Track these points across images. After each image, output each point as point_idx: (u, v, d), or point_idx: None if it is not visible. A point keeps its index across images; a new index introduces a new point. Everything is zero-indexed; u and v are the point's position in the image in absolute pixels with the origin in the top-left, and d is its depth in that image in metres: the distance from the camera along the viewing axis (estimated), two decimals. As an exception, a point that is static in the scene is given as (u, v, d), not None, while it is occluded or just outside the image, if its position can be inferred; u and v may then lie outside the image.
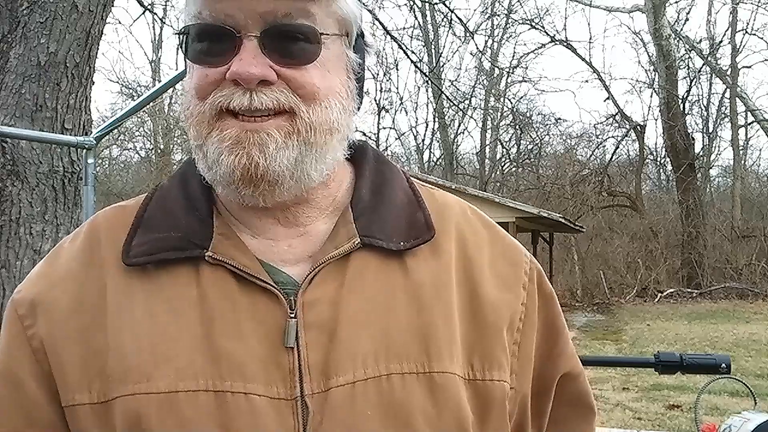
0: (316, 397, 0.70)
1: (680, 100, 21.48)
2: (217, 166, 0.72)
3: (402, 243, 0.77)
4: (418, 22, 23.93)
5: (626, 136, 23.54)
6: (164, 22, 18.13)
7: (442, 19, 21.97)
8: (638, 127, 22.83)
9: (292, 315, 0.71)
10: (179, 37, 0.76)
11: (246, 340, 0.71)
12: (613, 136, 24.09)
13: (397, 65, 25.59)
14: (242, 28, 0.71)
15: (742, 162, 23.55)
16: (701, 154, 23.19)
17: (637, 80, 29.88)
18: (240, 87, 0.70)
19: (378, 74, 25.52)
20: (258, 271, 0.73)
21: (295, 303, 0.72)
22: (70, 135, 3.18)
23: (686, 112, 22.25)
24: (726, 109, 23.01)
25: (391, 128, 32.10)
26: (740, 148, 23.19)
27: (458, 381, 0.73)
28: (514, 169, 25.41)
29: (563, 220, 13.97)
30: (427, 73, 18.03)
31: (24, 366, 0.75)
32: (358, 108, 0.81)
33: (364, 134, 26.33)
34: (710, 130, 23.62)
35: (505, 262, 0.83)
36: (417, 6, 22.80)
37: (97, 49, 3.34)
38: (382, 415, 0.70)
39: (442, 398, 0.72)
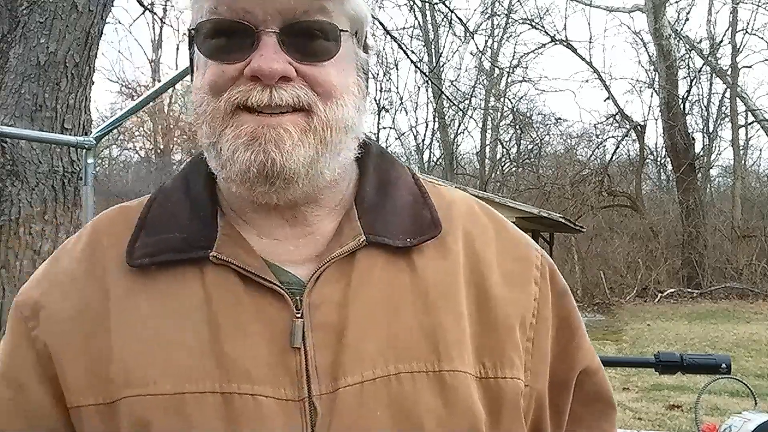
0: (324, 398, 0.69)
1: (680, 100, 21.47)
2: (232, 163, 0.71)
3: (408, 240, 0.76)
4: (418, 22, 23.93)
5: (626, 136, 23.55)
6: (164, 22, 18.13)
7: (442, 19, 21.97)
8: (638, 127, 22.82)
9: (299, 315, 0.71)
10: (192, 33, 0.75)
11: (252, 341, 0.70)
12: (613, 136, 24.10)
13: (397, 65, 25.59)
14: (261, 23, 0.70)
15: (743, 162, 23.53)
16: (701, 154, 23.17)
17: (637, 80, 29.91)
18: (259, 83, 0.70)
19: (378, 74, 25.54)
20: (263, 271, 0.72)
21: (302, 303, 0.71)
22: (70, 135, 3.18)
23: (686, 112, 22.24)
24: (726, 109, 23.01)
25: (391, 128, 32.10)
26: (740, 148, 23.17)
27: (470, 380, 0.72)
28: (514, 169, 25.40)
29: (563, 220, 13.95)
30: (427, 73, 18.03)
31: (28, 369, 0.74)
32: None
33: (365, 134, 26.27)
34: (710, 130, 23.61)
35: (514, 259, 0.81)
36: (417, 6, 22.80)
37: (97, 48, 3.34)
38: (391, 416, 0.69)
39: (453, 397, 0.71)
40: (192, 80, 0.77)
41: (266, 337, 0.70)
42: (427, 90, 25.18)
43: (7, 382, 0.75)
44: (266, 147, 0.69)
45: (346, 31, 0.74)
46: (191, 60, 0.78)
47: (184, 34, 0.79)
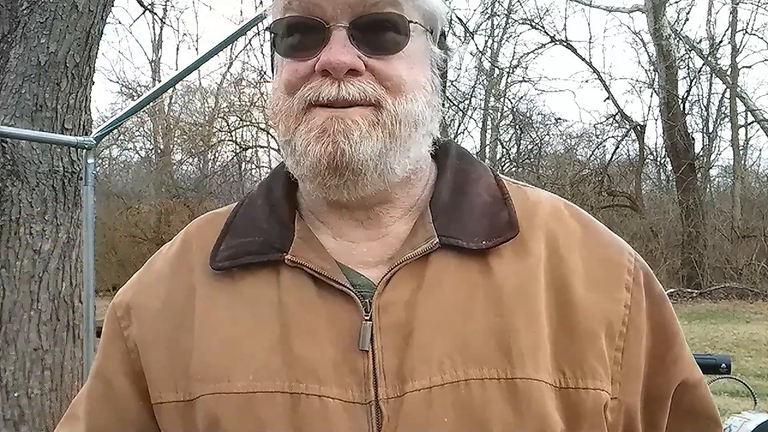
0: (391, 401, 0.68)
1: (680, 100, 21.47)
2: (305, 158, 0.72)
3: (483, 242, 0.74)
4: (418, 22, 23.88)
5: (626, 136, 23.54)
6: (164, 22, 18.12)
7: (442, 19, 21.92)
8: (638, 127, 22.81)
9: (367, 318, 0.71)
10: (269, 35, 0.76)
11: (321, 342, 0.71)
12: (613, 136, 24.07)
13: (397, 65, 25.57)
14: (331, 18, 0.71)
15: (743, 162, 23.53)
16: (701, 154, 23.16)
17: (637, 80, 29.84)
18: (328, 78, 0.71)
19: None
20: (335, 274, 0.73)
21: (371, 306, 0.72)
22: (70, 135, 3.18)
23: (686, 112, 22.23)
24: (726, 109, 23.00)
25: (391, 128, 32.00)
26: (740, 148, 23.17)
27: (544, 388, 0.69)
28: (514, 169, 25.38)
29: (563, 220, 13.93)
30: (427, 73, 17.99)
31: (118, 365, 0.79)
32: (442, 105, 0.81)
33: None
34: (710, 130, 23.59)
35: (602, 262, 0.78)
36: (417, 6, 22.78)
37: (97, 49, 3.34)
38: (458, 422, 0.67)
39: (524, 406, 0.68)
40: (272, 81, 0.79)
41: (334, 339, 0.71)
42: (427, 90, 25.13)
43: (100, 376, 0.81)
44: (335, 137, 0.70)
45: (417, 23, 0.74)
46: (272, 61, 0.79)
47: (266, 31, 0.77)
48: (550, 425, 0.69)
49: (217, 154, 19.38)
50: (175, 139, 21.74)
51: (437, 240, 0.74)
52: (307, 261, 0.74)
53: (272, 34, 0.75)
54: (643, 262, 0.81)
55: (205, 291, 0.77)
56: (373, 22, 0.71)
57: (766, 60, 29.46)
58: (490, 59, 24.13)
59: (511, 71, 24.76)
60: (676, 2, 24.00)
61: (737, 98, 21.98)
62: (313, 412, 0.68)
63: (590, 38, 46.23)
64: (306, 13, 0.72)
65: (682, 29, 22.86)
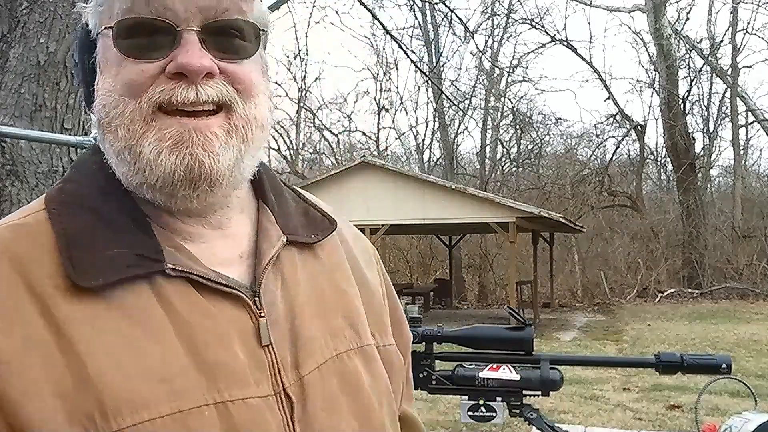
0: (294, 387, 0.73)
1: (681, 100, 21.48)
2: (153, 168, 0.69)
3: (312, 236, 0.83)
4: (418, 22, 23.94)
5: (627, 135, 23.55)
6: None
7: (442, 19, 21.99)
8: (639, 126, 22.82)
9: (262, 315, 0.73)
10: (92, 37, 0.74)
11: (228, 346, 0.70)
12: (613, 136, 24.11)
13: (397, 65, 25.64)
14: (182, 22, 0.70)
15: (743, 162, 23.54)
16: (702, 153, 23.18)
17: (637, 80, 29.92)
18: (183, 81, 0.69)
19: (378, 74, 25.55)
20: (218, 277, 0.72)
21: (260, 303, 0.74)
22: (70, 135, 3.18)
23: (687, 111, 22.24)
24: (726, 108, 23.01)
25: (391, 128, 32.14)
26: (741, 147, 23.18)
27: (375, 349, 0.83)
28: (514, 169, 25.40)
29: (564, 220, 13.94)
30: (427, 73, 18.02)
31: None
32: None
33: (365, 134, 26.30)
34: (711, 130, 23.61)
35: (363, 249, 0.93)
36: (417, 6, 22.83)
37: (97, 48, 3.33)
38: (342, 391, 0.76)
39: (373, 366, 0.81)
40: (98, 83, 0.73)
41: (238, 340, 0.71)
42: (427, 90, 25.21)
43: None
44: (194, 150, 0.69)
45: (264, 31, 0.76)
46: (84, 63, 0.76)
47: (107, 29, 0.71)
48: (386, 380, 0.83)
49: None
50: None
51: (285, 238, 0.80)
52: (190, 268, 0.71)
53: (98, 34, 0.73)
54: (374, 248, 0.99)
55: (75, 315, 0.67)
56: (224, 27, 0.71)
57: (766, 60, 29.49)
58: (490, 59, 24.13)
59: (511, 71, 24.77)
60: (677, 2, 24.02)
61: (738, 98, 21.97)
62: (242, 417, 0.68)
63: (590, 38, 46.31)
64: (155, 15, 0.69)
65: (682, 29, 22.85)
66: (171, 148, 0.69)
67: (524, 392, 1.47)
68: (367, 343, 0.82)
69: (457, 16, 11.17)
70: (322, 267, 0.83)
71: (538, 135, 24.95)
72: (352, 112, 43.15)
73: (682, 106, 21.45)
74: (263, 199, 0.83)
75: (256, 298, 0.74)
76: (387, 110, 25.58)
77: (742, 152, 23.33)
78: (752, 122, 22.93)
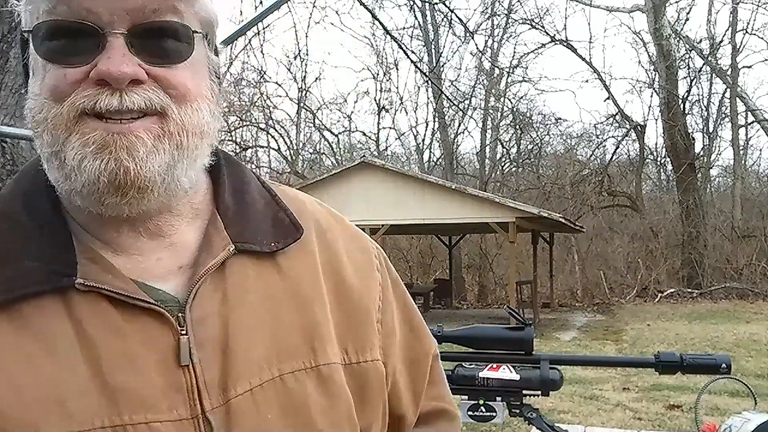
0: (216, 411, 0.68)
1: (680, 100, 21.47)
2: (78, 174, 0.66)
3: (273, 244, 0.77)
4: (418, 22, 23.93)
5: (626, 136, 23.55)
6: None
7: (442, 19, 22.00)
8: (638, 127, 22.82)
9: (183, 332, 0.68)
10: (24, 36, 0.70)
11: (140, 367, 0.67)
12: (613, 136, 24.11)
13: (397, 65, 25.62)
14: (107, 25, 0.66)
15: (743, 162, 23.53)
16: (701, 154, 23.17)
17: (637, 80, 29.90)
18: (107, 87, 0.65)
19: (378, 74, 25.55)
20: (137, 292, 0.68)
21: (184, 320, 0.69)
22: (70, 135, 3.18)
23: (686, 111, 22.24)
24: (726, 108, 23.00)
25: (391, 128, 32.20)
26: (740, 147, 23.18)
27: (340, 369, 0.76)
28: (514, 169, 25.40)
29: (563, 220, 13.94)
30: (427, 73, 18.02)
31: None
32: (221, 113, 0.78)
33: (365, 134, 26.29)
34: (710, 130, 23.61)
35: (358, 250, 0.86)
36: (417, 6, 22.83)
37: (97, 48, 3.33)
38: (282, 416, 0.71)
39: (332, 389, 0.74)
40: (28, 86, 0.71)
41: (152, 361, 0.67)
42: (427, 90, 25.19)
43: None
44: (118, 155, 0.65)
45: (199, 32, 0.71)
46: (25, 65, 0.73)
47: (26, 33, 0.71)
48: (349, 401, 0.75)
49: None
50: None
51: (233, 247, 0.74)
52: (103, 283, 0.67)
53: (27, 35, 0.69)
54: (380, 248, 0.91)
55: None
56: (153, 30, 0.67)
57: (766, 60, 29.49)
58: (490, 59, 24.13)
59: (511, 71, 24.76)
60: (677, 2, 24.02)
61: (737, 98, 21.96)
62: None
63: (590, 38, 46.30)
64: (77, 18, 0.65)
65: (682, 29, 22.84)
66: (94, 153, 0.66)
67: (524, 392, 1.48)
68: (324, 362, 0.74)
69: (457, 17, 11.19)
70: (282, 277, 0.77)
71: (537, 135, 24.96)
72: (352, 112, 43.14)
73: (681, 106, 21.45)
74: (217, 204, 0.78)
75: (180, 314, 0.69)
76: (387, 110, 25.57)
77: (741, 152, 23.33)
78: (752, 122, 22.93)
